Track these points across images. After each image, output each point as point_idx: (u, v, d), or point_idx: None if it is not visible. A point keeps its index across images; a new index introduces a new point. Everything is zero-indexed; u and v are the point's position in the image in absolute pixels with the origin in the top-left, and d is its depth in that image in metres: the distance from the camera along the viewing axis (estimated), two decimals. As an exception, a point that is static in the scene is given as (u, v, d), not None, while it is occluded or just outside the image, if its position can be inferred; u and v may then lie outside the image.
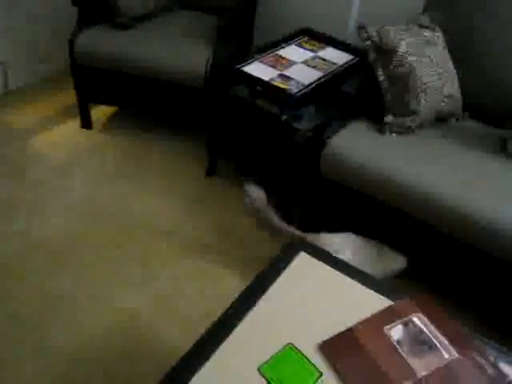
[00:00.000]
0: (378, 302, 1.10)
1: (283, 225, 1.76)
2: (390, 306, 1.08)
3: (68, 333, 1.65)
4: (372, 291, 1.13)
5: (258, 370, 0.96)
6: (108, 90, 2.52)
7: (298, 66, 2.15)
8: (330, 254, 1.24)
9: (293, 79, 2.04)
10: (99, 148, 2.53)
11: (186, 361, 0.99)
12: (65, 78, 2.54)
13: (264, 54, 2.22)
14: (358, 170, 1.75)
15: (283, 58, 2.20)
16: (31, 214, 2.11)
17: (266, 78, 2.02)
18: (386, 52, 1.81)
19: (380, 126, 1.86)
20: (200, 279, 1.88)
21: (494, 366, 0.96)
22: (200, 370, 0.96)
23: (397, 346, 0.99)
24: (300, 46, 2.34)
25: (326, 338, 1.01)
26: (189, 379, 0.95)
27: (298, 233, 1.73)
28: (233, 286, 1.83)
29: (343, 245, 1.68)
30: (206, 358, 0.99)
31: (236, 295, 1.11)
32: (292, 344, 1.00)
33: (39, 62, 2.97)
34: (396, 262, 1.71)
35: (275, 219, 1.77)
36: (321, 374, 0.95)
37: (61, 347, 1.61)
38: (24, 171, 2.34)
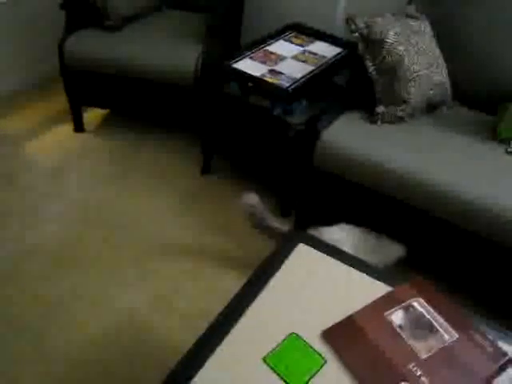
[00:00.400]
0: (377, 289, 1.12)
1: (283, 227, 1.78)
2: (390, 292, 1.10)
3: (68, 335, 1.66)
4: (371, 278, 1.15)
5: (263, 360, 0.97)
6: (99, 92, 2.52)
7: (287, 61, 2.16)
8: (328, 244, 1.26)
9: (283, 74, 2.05)
10: (93, 151, 2.53)
11: (192, 355, 1.00)
12: (56, 81, 2.53)
13: (253, 50, 2.22)
14: (352, 161, 1.77)
15: (273, 54, 2.21)
16: (25, 219, 2.11)
17: (257, 74, 2.03)
18: (374, 42, 1.83)
19: (372, 117, 1.88)
20: (199, 278, 1.89)
21: (494, 344, 0.98)
22: (205, 364, 0.97)
23: (398, 331, 1.01)
24: (289, 41, 2.35)
25: (328, 325, 1.03)
26: (195, 373, 0.96)
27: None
28: (232, 284, 1.84)
29: (343, 239, 1.70)
30: (211, 351, 1.00)
31: (236, 292, 1.12)
32: (295, 333, 1.02)
33: (30, 67, 2.96)
34: (394, 251, 1.73)
35: (274, 223, 1.79)
36: (325, 362, 0.97)
37: (61, 350, 1.62)
38: (17, 176, 2.34)
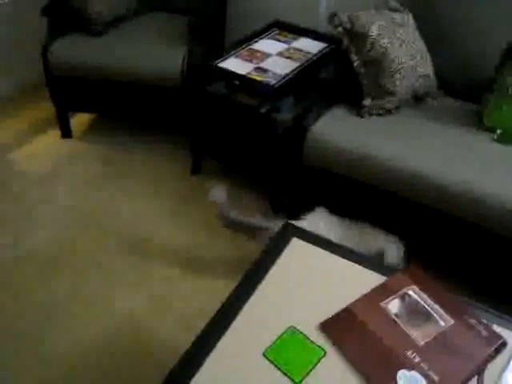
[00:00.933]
0: (372, 279, 1.13)
1: (265, 224, 1.68)
2: (384, 282, 1.11)
3: (66, 339, 1.66)
4: (366, 269, 1.16)
5: (263, 355, 0.98)
6: (86, 97, 2.51)
7: (273, 58, 2.17)
8: (322, 237, 1.27)
9: (269, 71, 2.06)
10: (82, 156, 2.52)
11: (191, 354, 1.00)
12: (42, 87, 2.52)
13: (239, 49, 2.23)
14: (341, 155, 1.78)
15: (258, 52, 2.22)
16: (19, 225, 2.10)
17: (243, 72, 2.04)
18: (358, 37, 1.84)
19: (359, 110, 1.89)
20: (195, 278, 1.89)
21: (488, 328, 0.99)
22: (205, 363, 0.98)
23: (395, 319, 1.02)
24: (273, 38, 2.36)
25: (325, 318, 1.04)
26: (194, 372, 0.96)
27: (264, 223, 1.68)
28: (229, 282, 1.83)
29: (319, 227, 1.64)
30: (210, 349, 1.00)
31: (231, 290, 1.13)
32: (293, 326, 1.03)
33: (12, 75, 2.93)
34: (378, 240, 1.70)
35: (252, 221, 1.70)
36: (324, 353, 0.97)
37: (60, 355, 1.61)
38: (9, 184, 2.33)
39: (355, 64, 1.89)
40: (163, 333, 1.68)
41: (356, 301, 1.07)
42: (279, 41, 2.34)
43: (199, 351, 1.00)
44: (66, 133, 2.63)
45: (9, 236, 2.05)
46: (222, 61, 2.12)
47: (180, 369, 0.98)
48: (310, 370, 0.95)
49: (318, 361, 0.96)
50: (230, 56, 2.16)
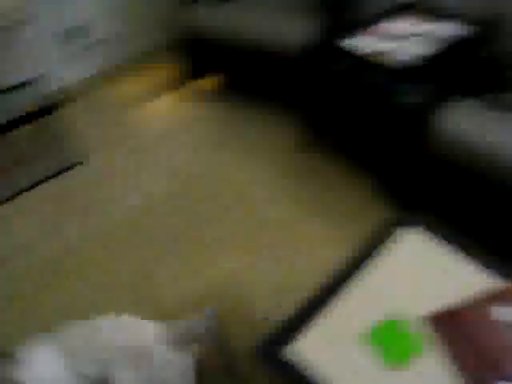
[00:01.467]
0: (485, 281, 1.08)
1: None
2: (499, 286, 1.06)
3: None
4: (483, 269, 1.11)
5: (361, 336, 0.99)
6: (212, 62, 2.61)
7: (403, 40, 2.08)
8: (440, 232, 1.22)
9: (399, 53, 1.98)
10: (198, 119, 2.65)
11: (290, 325, 1.05)
12: (167, 52, 2.66)
13: (368, 27, 2.17)
14: (471, 150, 1.66)
15: (388, 32, 2.14)
16: (125, 183, 2.24)
17: (371, 52, 1.99)
18: (503, 22, 1.70)
19: (496, 103, 1.75)
20: (295, 248, 1.91)
21: None
22: (305, 333, 1.02)
23: (504, 326, 0.97)
24: (407, 19, 2.26)
25: (428, 311, 1.02)
26: (292, 341, 1.01)
27: None
28: (326, 259, 1.84)
29: None
30: (310, 322, 1.04)
31: (331, 269, 1.14)
32: (396, 314, 1.02)
33: (142, 38, 3.09)
34: None
35: None
36: (425, 346, 0.96)
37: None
38: (124, 141, 2.52)
39: (497, 53, 1.75)
40: (254, 301, 1.71)
41: (464, 300, 1.03)
42: (411, 22, 2.23)
43: (298, 323, 1.04)
44: (188, 96, 2.78)
45: (116, 193, 2.21)
46: (349, 38, 2.08)
47: (276, 338, 1.03)
48: (409, 360, 0.95)
49: (419, 352, 0.96)
50: (358, 33, 2.11)
